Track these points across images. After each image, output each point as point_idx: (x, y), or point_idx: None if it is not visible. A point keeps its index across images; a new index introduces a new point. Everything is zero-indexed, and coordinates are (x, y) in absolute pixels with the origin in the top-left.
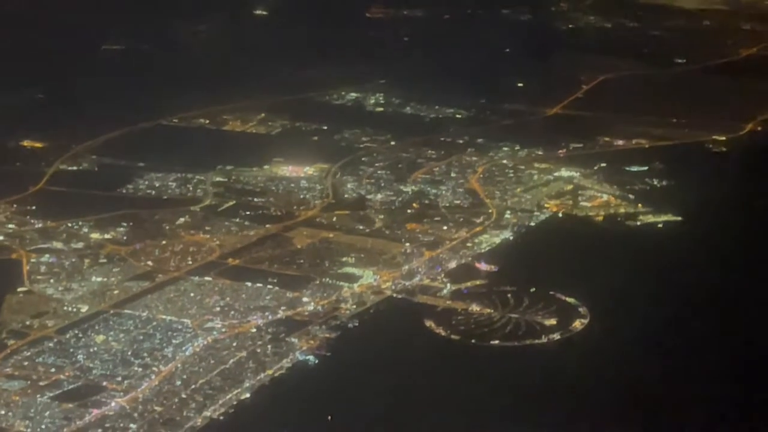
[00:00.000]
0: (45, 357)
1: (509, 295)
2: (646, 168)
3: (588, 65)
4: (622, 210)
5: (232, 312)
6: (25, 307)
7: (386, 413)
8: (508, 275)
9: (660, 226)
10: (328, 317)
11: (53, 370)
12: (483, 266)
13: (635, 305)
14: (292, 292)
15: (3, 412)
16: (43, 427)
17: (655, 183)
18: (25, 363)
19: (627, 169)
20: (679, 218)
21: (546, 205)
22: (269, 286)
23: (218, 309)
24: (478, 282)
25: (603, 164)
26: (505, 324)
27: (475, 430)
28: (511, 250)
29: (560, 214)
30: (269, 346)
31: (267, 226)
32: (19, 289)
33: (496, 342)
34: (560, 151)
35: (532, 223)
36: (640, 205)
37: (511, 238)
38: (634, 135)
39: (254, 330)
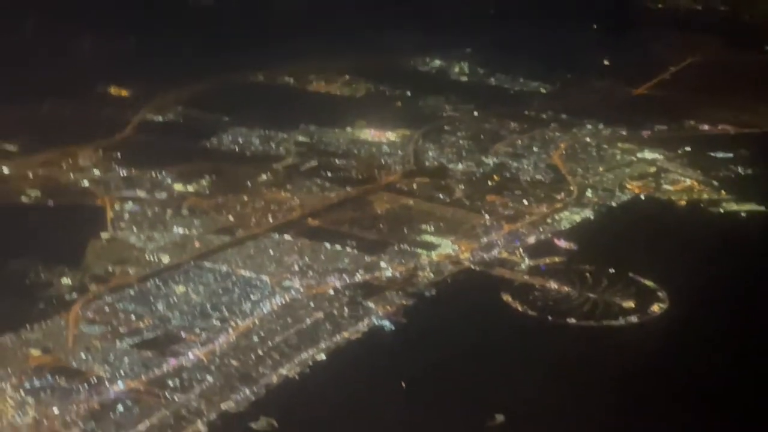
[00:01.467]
0: (125, 304)
1: (588, 275)
2: (731, 155)
3: (676, 47)
4: (705, 196)
5: (311, 272)
6: (107, 253)
7: (459, 385)
8: (588, 254)
9: (743, 214)
10: (406, 284)
11: (133, 317)
12: (562, 243)
13: (715, 294)
14: (370, 256)
15: (83, 356)
16: (122, 373)
17: (740, 170)
18: (106, 309)
19: (712, 154)
20: (763, 208)
21: (628, 186)
22: (348, 249)
23: (297, 268)
24: (556, 259)
25: (687, 148)
26: (583, 303)
27: (547, 407)
28: (591, 229)
29: (642, 196)
30: (346, 309)
31: (348, 188)
32: (103, 235)
33: (573, 320)
34: (645, 132)
35: (614, 204)
36: (723, 192)
37: (592, 217)
38: (720, 120)
39: (332, 292)
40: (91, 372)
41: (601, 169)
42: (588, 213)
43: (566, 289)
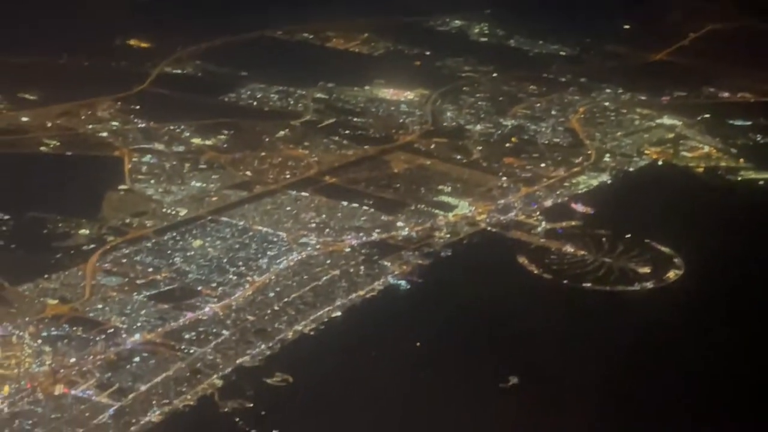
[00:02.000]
0: (143, 256)
1: (604, 239)
2: (750, 123)
3: (695, 13)
4: (723, 163)
5: (327, 230)
6: (125, 205)
7: (473, 346)
8: (604, 219)
9: (761, 182)
10: (422, 244)
11: (150, 270)
12: (579, 207)
13: (731, 261)
14: (387, 216)
15: (100, 307)
16: (138, 325)
17: (759, 139)
18: (124, 260)
19: (730, 122)
20: None
21: (646, 152)
22: (365, 208)
23: (313, 225)
24: (573, 223)
25: (706, 115)
26: (598, 267)
27: (560, 370)
28: (608, 193)
29: (660, 162)
30: (362, 267)
31: (365, 147)
32: (120, 187)
33: (588, 285)
34: (663, 98)
35: (631, 169)
36: (742, 160)
37: (609, 181)
38: (739, 88)
39: (348, 250)
40: (107, 323)
41: (619, 134)
42: (605, 177)
43: (582, 253)
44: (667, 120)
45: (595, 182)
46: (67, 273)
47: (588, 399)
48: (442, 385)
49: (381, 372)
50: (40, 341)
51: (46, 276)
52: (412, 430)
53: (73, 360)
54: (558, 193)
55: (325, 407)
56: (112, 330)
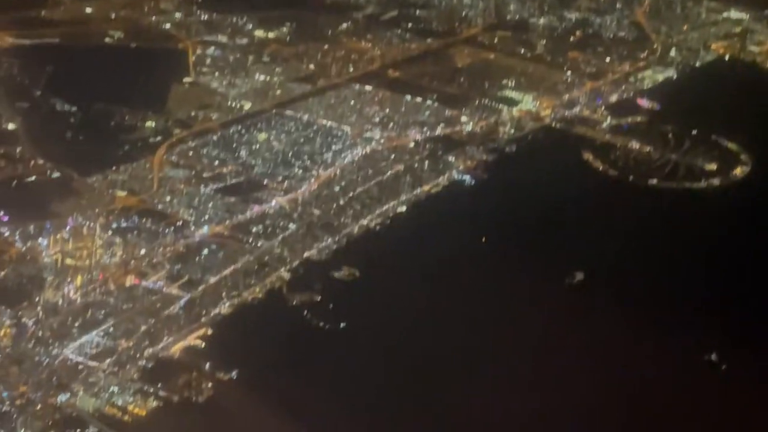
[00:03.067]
0: (209, 149)
1: (670, 135)
2: None
3: None
4: None
5: (391, 124)
6: (190, 98)
7: (538, 242)
8: (670, 114)
9: None
10: (486, 139)
11: (216, 163)
12: (644, 103)
13: None
14: (450, 110)
15: (168, 199)
16: (206, 217)
17: None
18: (190, 153)
19: None
20: None
21: (712, 46)
22: (428, 102)
23: (377, 120)
24: (638, 118)
25: None
26: (665, 164)
27: (626, 266)
28: (673, 88)
29: (727, 57)
30: (426, 162)
31: (428, 40)
32: (185, 80)
33: (654, 181)
34: None
35: (697, 63)
36: None
37: (675, 76)
38: None
39: (412, 144)
40: (176, 215)
41: (685, 27)
42: (671, 72)
43: (648, 149)
44: (734, 13)
45: (660, 77)
46: (134, 165)
47: (654, 294)
48: (508, 281)
49: (446, 266)
50: (110, 232)
51: (114, 168)
52: (478, 323)
53: (143, 251)
54: (623, 88)
55: (392, 301)
56: (180, 222)
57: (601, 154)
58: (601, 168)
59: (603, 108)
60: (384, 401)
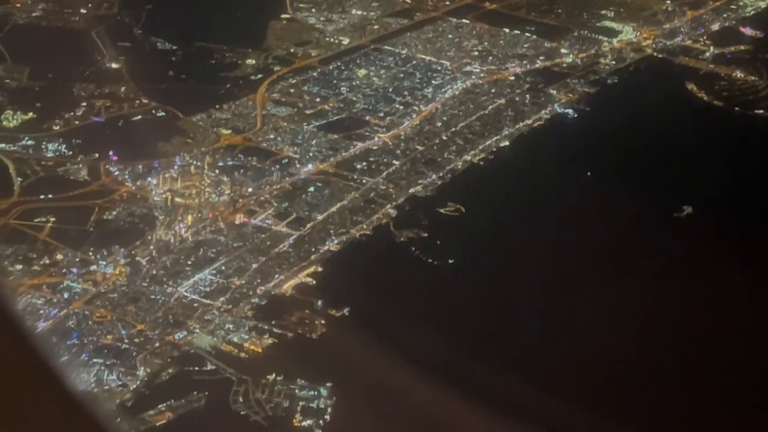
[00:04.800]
0: (310, 86)
1: None
2: None
3: None
4: None
5: (490, 57)
6: (288, 34)
7: (645, 175)
8: None
9: None
10: (587, 71)
11: (318, 99)
12: (748, 31)
13: None
14: (550, 42)
15: (272, 137)
16: (311, 155)
17: None
18: (291, 90)
19: None
20: None
21: None
22: (527, 34)
23: (476, 53)
24: (742, 47)
25: None
26: None
27: (734, 199)
28: None
29: None
30: (528, 96)
31: None
32: (283, 16)
33: (761, 111)
34: None
35: None
36: None
37: None
38: None
39: (512, 78)
40: (280, 152)
41: None
42: None
43: (753, 78)
44: None
45: (763, 4)
46: (237, 103)
47: (764, 228)
48: (615, 213)
49: (550, 201)
50: (217, 171)
51: (217, 106)
52: (586, 255)
53: (250, 190)
54: (725, 16)
55: (499, 237)
56: (285, 160)
57: (705, 85)
58: (705, 98)
59: (705, 37)
60: (497, 334)
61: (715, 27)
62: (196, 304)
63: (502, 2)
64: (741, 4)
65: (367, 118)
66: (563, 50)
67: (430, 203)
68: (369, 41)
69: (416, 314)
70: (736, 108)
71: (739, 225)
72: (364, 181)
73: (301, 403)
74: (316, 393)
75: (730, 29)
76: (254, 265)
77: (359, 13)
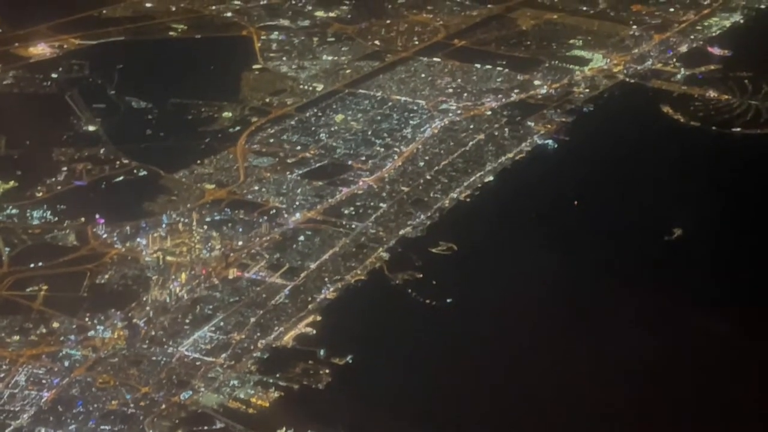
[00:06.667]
0: (289, 135)
1: (746, 81)
2: None
3: None
4: None
5: (465, 94)
6: (262, 84)
7: (631, 198)
8: (743, 60)
9: None
10: (562, 101)
11: (298, 147)
12: (716, 50)
13: None
14: (522, 75)
15: (257, 188)
16: (297, 204)
17: None
18: (271, 140)
19: None
20: None
21: None
22: (499, 68)
23: (451, 90)
24: (712, 67)
25: None
26: (746, 111)
27: (721, 220)
28: (742, 33)
29: None
30: (506, 129)
31: (489, 6)
32: (254, 66)
33: (738, 129)
34: None
35: (763, 6)
36: None
37: (742, 21)
38: None
39: (489, 113)
40: (266, 204)
41: None
42: (737, 17)
43: (726, 97)
44: None
45: (727, 23)
46: (218, 157)
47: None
48: (604, 236)
49: (540, 232)
50: (205, 226)
51: (198, 161)
52: (581, 282)
53: (240, 243)
54: (692, 37)
55: (493, 272)
56: (273, 210)
57: (680, 106)
58: (682, 120)
59: (675, 59)
60: (502, 370)
61: (684, 48)
62: (198, 363)
63: (471, 38)
64: (706, 24)
65: (350, 162)
66: (536, 81)
67: (421, 244)
68: (343, 86)
69: (422, 355)
70: (713, 127)
71: (728, 250)
72: (353, 227)
73: None
74: None
75: (698, 50)
76: (252, 319)
77: (330, 58)
